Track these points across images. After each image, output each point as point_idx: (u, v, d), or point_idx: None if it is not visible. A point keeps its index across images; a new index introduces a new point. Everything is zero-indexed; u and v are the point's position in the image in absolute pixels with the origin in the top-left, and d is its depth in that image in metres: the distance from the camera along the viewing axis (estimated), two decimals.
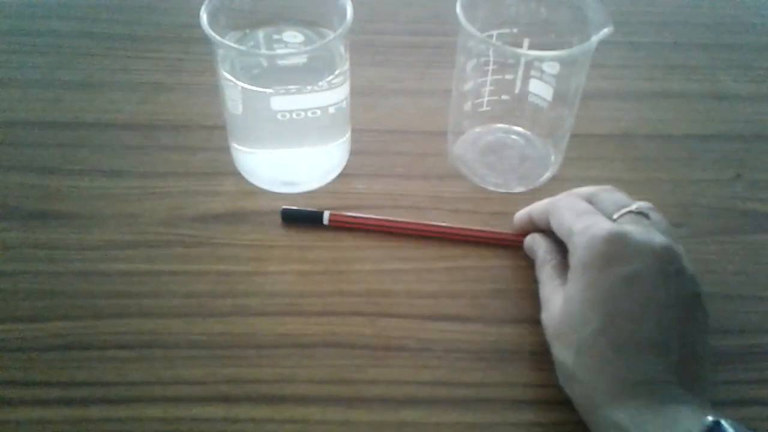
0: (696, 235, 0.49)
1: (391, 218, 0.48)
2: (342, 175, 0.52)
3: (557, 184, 0.49)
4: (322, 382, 0.41)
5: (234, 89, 0.45)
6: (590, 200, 0.43)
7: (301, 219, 0.49)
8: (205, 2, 0.44)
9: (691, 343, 0.37)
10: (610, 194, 0.43)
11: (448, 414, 0.40)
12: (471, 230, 0.48)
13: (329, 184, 0.51)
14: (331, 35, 0.45)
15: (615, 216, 0.41)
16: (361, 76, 0.53)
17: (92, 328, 0.43)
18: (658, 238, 0.38)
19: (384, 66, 0.62)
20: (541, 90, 0.48)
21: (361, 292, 0.45)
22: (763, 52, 0.64)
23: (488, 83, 0.49)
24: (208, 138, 0.54)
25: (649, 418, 0.34)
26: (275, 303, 0.44)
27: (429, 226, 0.48)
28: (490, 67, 0.48)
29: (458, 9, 0.44)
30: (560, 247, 0.43)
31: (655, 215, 0.41)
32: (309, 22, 0.47)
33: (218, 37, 0.42)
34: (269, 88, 0.44)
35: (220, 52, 0.44)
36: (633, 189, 0.44)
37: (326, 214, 0.48)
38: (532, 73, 0.47)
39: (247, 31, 0.48)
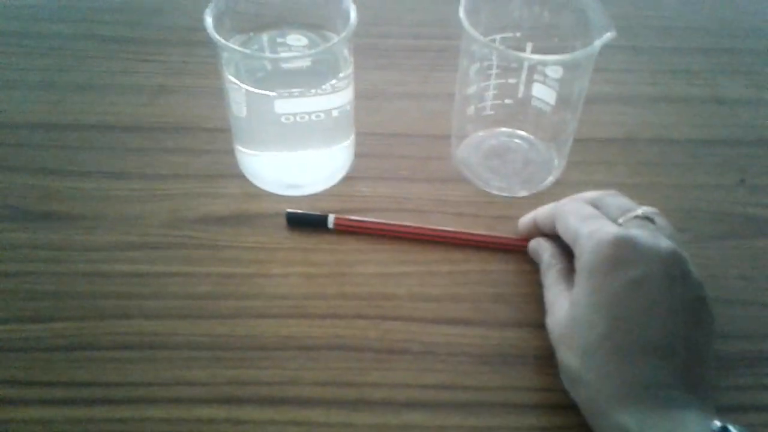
0: (698, 240, 0.49)
1: (395, 222, 0.48)
2: (346, 178, 0.52)
3: (560, 188, 0.50)
4: (326, 384, 0.41)
5: (238, 92, 0.45)
6: (595, 205, 0.43)
7: (306, 222, 0.49)
8: (210, 5, 0.44)
9: (697, 348, 0.37)
10: (614, 199, 0.43)
11: (451, 417, 0.40)
12: (474, 235, 0.48)
13: (333, 186, 0.51)
14: (335, 39, 0.45)
15: (620, 220, 0.41)
16: (365, 80, 0.53)
17: (95, 329, 0.43)
18: (664, 243, 0.38)
19: (388, 69, 0.62)
20: (544, 94, 0.48)
21: (364, 295, 0.45)
22: (765, 57, 0.65)
23: (491, 87, 0.49)
24: (211, 140, 0.54)
25: (655, 422, 0.34)
26: (279, 305, 0.44)
27: (433, 230, 0.48)
28: (494, 71, 0.48)
29: (461, 13, 0.44)
30: (565, 251, 0.43)
31: (660, 220, 0.41)
32: (313, 26, 0.48)
33: (223, 40, 0.43)
34: (273, 91, 0.44)
35: (225, 55, 0.44)
36: (636, 193, 0.44)
37: (331, 218, 0.48)
38: (535, 77, 0.47)
39: (252, 34, 0.48)
